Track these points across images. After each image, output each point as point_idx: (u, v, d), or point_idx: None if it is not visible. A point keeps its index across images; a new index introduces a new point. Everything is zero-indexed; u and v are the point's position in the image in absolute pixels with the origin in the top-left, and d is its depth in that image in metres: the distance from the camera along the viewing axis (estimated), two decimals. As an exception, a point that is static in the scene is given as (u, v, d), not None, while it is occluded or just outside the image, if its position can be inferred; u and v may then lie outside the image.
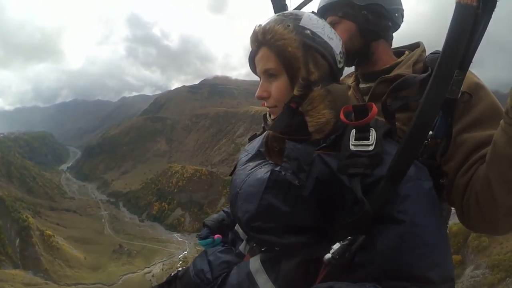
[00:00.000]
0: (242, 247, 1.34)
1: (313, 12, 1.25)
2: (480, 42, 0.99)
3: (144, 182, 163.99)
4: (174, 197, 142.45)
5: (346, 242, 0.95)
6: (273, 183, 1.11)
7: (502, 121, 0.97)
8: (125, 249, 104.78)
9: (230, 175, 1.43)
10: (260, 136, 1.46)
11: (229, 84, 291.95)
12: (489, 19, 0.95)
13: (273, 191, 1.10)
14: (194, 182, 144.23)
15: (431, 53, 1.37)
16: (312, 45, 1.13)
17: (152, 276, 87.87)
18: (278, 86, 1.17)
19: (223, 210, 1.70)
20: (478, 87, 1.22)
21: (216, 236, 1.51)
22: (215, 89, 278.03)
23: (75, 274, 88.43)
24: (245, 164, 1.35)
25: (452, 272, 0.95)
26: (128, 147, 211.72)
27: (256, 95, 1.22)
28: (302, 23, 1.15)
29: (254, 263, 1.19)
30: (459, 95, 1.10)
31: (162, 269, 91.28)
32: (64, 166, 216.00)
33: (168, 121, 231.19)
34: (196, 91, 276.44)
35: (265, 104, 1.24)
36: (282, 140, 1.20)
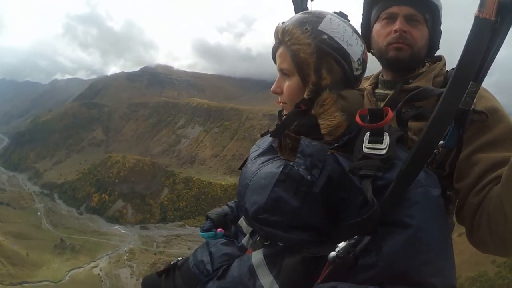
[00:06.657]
0: (245, 240, 1.35)
1: (335, 13, 1.24)
2: (496, 55, 1.00)
3: (80, 172, 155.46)
4: (114, 188, 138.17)
5: (352, 241, 0.96)
6: (285, 177, 1.12)
7: None
8: (67, 243, 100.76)
9: (240, 168, 1.43)
10: None
11: (171, 74, 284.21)
12: (506, 33, 0.96)
13: (284, 185, 1.12)
14: (136, 172, 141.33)
15: (452, 69, 1.36)
16: (327, 51, 1.14)
17: (100, 270, 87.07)
18: (289, 86, 1.22)
19: (227, 205, 1.69)
20: (496, 110, 1.23)
21: (219, 229, 1.50)
22: (156, 78, 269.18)
23: (19, 272, 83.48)
24: (256, 158, 1.37)
25: (455, 280, 0.95)
26: (61, 134, 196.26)
27: (271, 89, 1.27)
28: (321, 26, 1.15)
29: (257, 257, 1.20)
30: (472, 109, 1.11)
31: (110, 262, 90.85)
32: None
33: (105, 109, 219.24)
34: (136, 78, 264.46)
35: (279, 99, 1.29)
36: (295, 138, 1.22)
